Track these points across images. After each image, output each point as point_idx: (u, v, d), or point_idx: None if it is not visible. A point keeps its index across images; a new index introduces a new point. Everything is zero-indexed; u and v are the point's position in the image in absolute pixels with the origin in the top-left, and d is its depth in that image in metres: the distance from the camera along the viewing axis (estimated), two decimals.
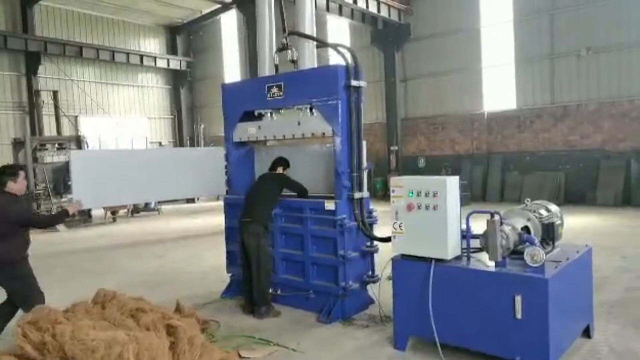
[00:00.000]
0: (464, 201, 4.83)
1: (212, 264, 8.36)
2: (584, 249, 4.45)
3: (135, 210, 16.52)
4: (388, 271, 4.67)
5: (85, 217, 14.86)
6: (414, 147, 17.96)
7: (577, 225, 10.57)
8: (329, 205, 5.34)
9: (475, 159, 16.37)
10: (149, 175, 6.95)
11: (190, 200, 19.23)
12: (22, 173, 4.73)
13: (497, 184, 15.68)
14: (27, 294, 4.61)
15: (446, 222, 4.09)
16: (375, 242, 5.54)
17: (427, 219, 4.17)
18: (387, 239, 5.12)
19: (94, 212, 15.81)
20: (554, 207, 4.70)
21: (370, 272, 5.61)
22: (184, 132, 24.07)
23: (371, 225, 5.56)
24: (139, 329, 3.98)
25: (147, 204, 16.26)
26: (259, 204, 5.56)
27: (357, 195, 5.40)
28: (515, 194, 14.88)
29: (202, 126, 22.47)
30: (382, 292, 5.19)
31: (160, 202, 16.64)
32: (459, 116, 16.82)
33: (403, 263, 4.40)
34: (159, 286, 7.08)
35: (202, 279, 7.47)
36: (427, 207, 4.18)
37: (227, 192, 6.73)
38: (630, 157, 13.60)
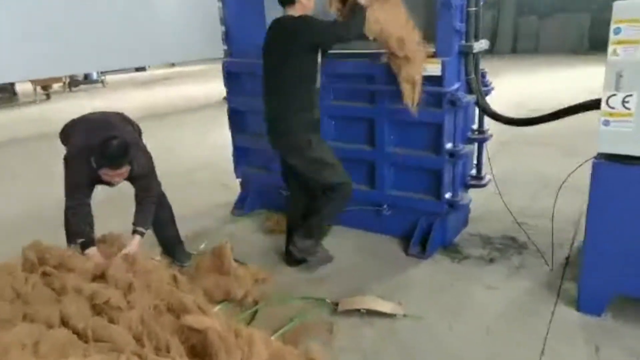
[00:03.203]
0: None
1: (198, 157, 6.08)
2: None
3: (73, 83, 13.35)
4: None
5: (8, 94, 11.76)
6: None
7: None
8: (432, 68, 3.05)
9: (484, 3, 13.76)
10: (92, 31, 4.19)
11: (140, 69, 16.01)
12: None
13: (509, 31, 13.36)
14: None
15: None
16: (489, 127, 3.44)
17: None
18: (535, 121, 3.05)
19: (18, 87, 12.61)
20: None
21: (474, 172, 3.60)
22: None
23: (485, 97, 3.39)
24: None
25: (87, 75, 13.11)
26: (283, 97, 3.01)
27: (476, 46, 3.12)
28: (531, 44, 12.77)
29: None
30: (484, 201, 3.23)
31: (103, 72, 13.47)
32: None
33: (616, 170, 2.36)
34: (127, 200, 4.86)
35: (189, 182, 5.23)
36: None
37: (225, 53, 4.23)
38: None
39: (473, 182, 3.52)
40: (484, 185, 3.52)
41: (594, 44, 12.39)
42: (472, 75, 3.17)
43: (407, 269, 3.17)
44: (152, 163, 3.06)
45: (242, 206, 4.24)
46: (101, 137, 2.75)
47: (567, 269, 3.00)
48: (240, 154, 4.22)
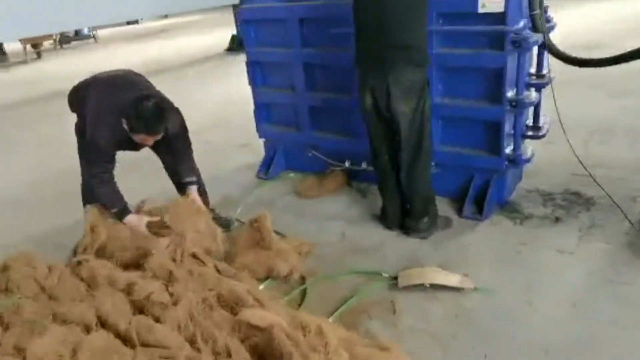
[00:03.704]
0: None
1: (206, 115, 5.66)
2: None
3: (64, 39, 12.67)
4: None
5: None
6: None
7: None
8: (492, 3, 2.61)
9: None
10: None
11: (132, 22, 15.20)
12: None
13: None
14: None
15: None
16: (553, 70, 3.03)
17: None
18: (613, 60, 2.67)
19: (7, 47, 11.97)
20: None
21: (531, 122, 3.22)
22: None
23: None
24: None
25: (78, 31, 12.42)
26: (414, 21, 2.53)
27: None
28: None
29: None
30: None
31: (94, 27, 12.75)
32: None
33: None
34: (140, 165, 4.50)
35: (202, 143, 4.81)
36: None
37: None
38: None
39: (530, 133, 3.15)
40: (542, 136, 3.15)
41: None
42: (537, 10, 2.73)
43: (464, 233, 2.87)
44: (184, 121, 2.76)
45: (268, 169, 3.89)
46: (130, 96, 2.42)
47: None
48: (263, 112, 3.83)
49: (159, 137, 2.52)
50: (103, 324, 1.86)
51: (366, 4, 2.56)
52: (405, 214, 2.91)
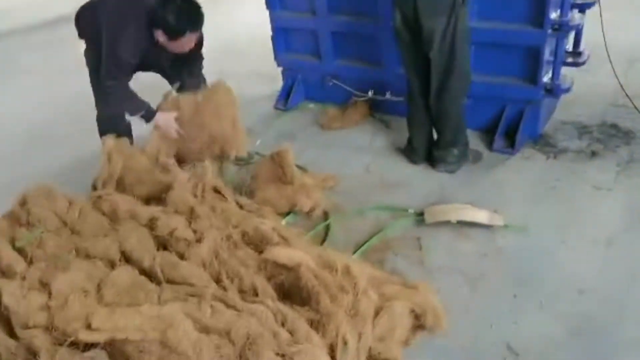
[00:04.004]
0: None
1: (222, 39, 5.41)
2: None
3: None
4: None
5: None
6: None
7: None
8: None
9: None
10: None
11: None
12: None
13: None
14: None
15: None
16: None
17: None
18: None
19: None
20: None
21: (570, 47, 2.97)
22: None
23: None
24: None
25: None
26: None
27: None
28: None
29: None
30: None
31: None
32: None
33: None
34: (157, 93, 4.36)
35: (218, 73, 4.57)
36: None
37: None
38: None
39: (569, 60, 2.92)
40: (582, 63, 2.92)
41: None
42: None
43: (495, 167, 2.74)
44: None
45: (287, 99, 3.73)
46: (151, 2, 2.29)
47: None
48: (282, 38, 3.61)
49: (198, 34, 2.44)
50: (127, 259, 1.83)
51: None
52: (432, 144, 2.77)
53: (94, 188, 2.35)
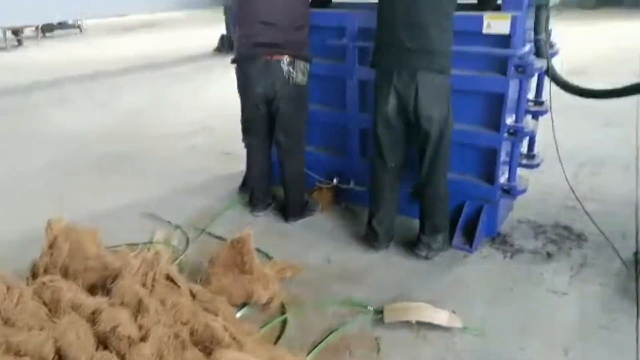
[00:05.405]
0: None
1: (195, 117, 5.48)
2: None
3: (47, 28, 12.30)
4: None
5: None
6: None
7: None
8: (497, 23, 2.50)
9: None
10: None
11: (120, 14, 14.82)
12: None
13: None
14: None
15: None
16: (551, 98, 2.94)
17: None
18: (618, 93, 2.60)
19: None
20: None
21: (525, 150, 3.13)
22: None
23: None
24: None
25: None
26: (432, 19, 2.42)
27: None
28: None
29: None
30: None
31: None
32: None
33: None
34: (115, 166, 4.30)
35: (189, 149, 4.68)
36: None
37: None
38: None
39: (524, 162, 3.07)
40: (537, 166, 3.07)
41: None
42: (542, 35, 2.65)
43: (454, 264, 2.75)
44: None
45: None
46: None
47: None
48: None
49: None
50: (62, 358, 1.68)
51: (397, 6, 2.45)
52: (421, 229, 2.79)
53: (33, 274, 2.20)
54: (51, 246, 2.23)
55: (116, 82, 7.55)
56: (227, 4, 2.89)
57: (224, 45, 9.43)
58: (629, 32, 9.25)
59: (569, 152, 3.84)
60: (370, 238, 2.89)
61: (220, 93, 6.10)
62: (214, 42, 9.77)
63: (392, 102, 2.56)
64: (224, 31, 9.57)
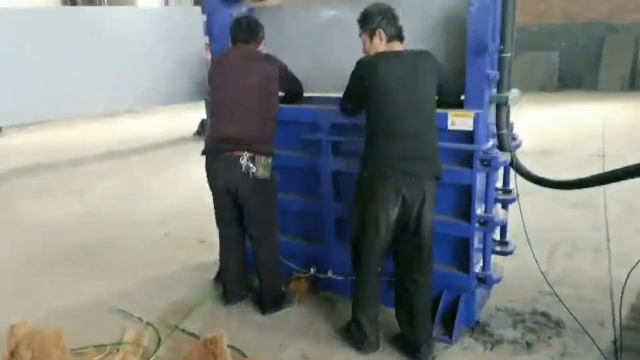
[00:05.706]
0: None
1: (172, 203, 5.48)
2: None
3: None
4: None
5: None
6: None
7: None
8: (461, 120, 2.65)
9: None
10: (48, 63, 3.51)
11: None
12: None
13: None
14: None
15: None
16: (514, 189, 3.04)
17: None
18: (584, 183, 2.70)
19: None
20: None
21: (497, 237, 3.19)
22: None
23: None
24: None
25: None
26: (429, 128, 2.55)
27: (511, 97, 2.76)
28: None
29: None
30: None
31: None
32: None
33: None
34: (86, 258, 4.19)
35: (164, 237, 4.62)
36: None
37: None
38: None
39: (498, 249, 3.11)
40: (509, 253, 3.11)
41: (565, 80, 12.63)
42: (505, 130, 2.79)
43: (436, 357, 2.69)
44: None
45: None
46: None
47: (619, 358, 2.60)
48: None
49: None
50: None
51: (400, 118, 2.51)
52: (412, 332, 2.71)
53: None
54: (12, 354, 2.11)
55: (96, 168, 7.57)
56: (207, 99, 3.00)
57: (204, 128, 9.63)
58: (588, 114, 9.83)
59: (543, 233, 3.94)
60: (357, 339, 2.76)
61: (197, 178, 6.09)
62: (195, 126, 9.97)
63: (397, 211, 2.54)
64: (204, 115, 9.78)
